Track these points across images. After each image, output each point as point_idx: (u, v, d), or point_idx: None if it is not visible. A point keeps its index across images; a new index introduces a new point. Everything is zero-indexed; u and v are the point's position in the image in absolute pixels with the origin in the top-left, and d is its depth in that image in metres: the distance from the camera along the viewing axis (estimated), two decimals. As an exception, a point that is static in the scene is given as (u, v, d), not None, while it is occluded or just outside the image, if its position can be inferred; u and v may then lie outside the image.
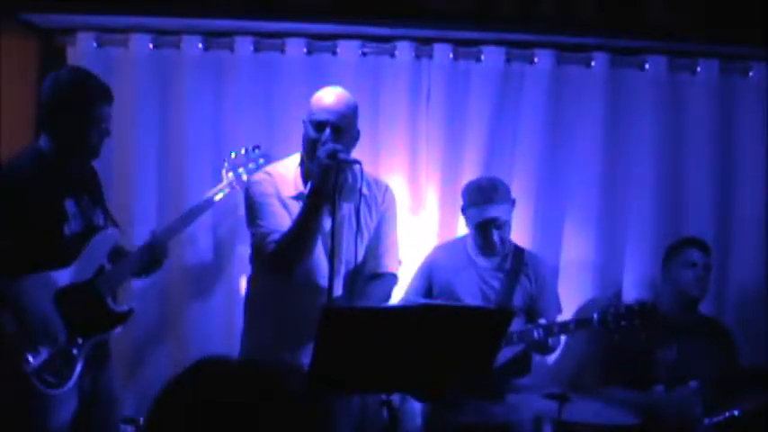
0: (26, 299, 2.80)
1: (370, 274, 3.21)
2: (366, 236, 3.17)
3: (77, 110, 2.93)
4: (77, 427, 2.95)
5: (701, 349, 3.61)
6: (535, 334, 3.32)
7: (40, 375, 2.79)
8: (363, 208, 3.12)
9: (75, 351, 2.89)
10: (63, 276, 2.89)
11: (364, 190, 3.12)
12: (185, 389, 1.19)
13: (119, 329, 3.09)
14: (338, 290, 3.05)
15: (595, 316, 3.32)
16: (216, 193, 3.47)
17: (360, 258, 3.13)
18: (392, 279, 3.29)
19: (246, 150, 3.52)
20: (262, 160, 3.52)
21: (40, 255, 2.85)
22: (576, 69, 4.02)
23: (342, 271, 3.13)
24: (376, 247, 3.20)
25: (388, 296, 3.29)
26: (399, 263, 3.32)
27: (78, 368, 2.88)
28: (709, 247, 3.73)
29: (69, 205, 2.94)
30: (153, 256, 3.17)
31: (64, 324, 2.85)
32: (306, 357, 3.01)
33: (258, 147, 3.55)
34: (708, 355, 3.61)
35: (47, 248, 2.87)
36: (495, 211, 3.45)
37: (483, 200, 3.45)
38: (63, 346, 2.85)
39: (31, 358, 2.78)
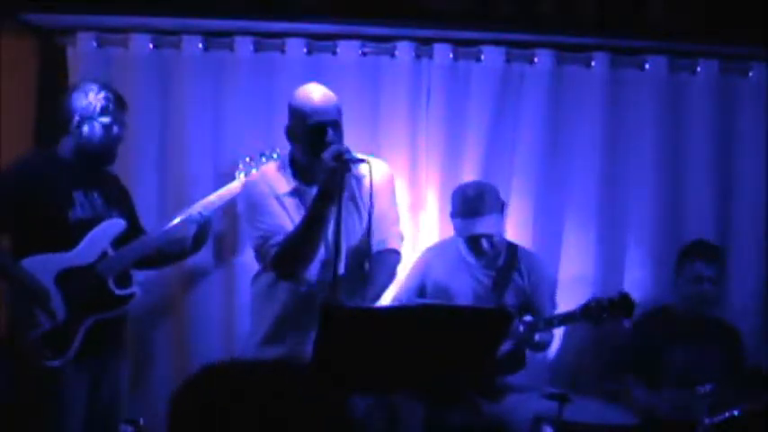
0: (29, 277, 3.02)
1: (372, 253, 3.18)
2: (364, 216, 3.14)
3: (88, 122, 3.17)
4: (86, 408, 3.13)
5: (710, 352, 3.61)
6: (521, 328, 3.33)
7: (37, 348, 3.01)
8: (363, 192, 3.11)
9: (73, 327, 3.07)
10: (67, 258, 3.09)
11: (360, 173, 3.11)
12: (198, 392, 1.20)
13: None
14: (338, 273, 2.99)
15: (578, 310, 3.33)
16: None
17: (359, 239, 3.12)
18: (395, 256, 3.25)
19: (263, 154, 3.52)
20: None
21: (44, 236, 3.06)
22: (576, 69, 4.01)
23: (342, 254, 3.09)
24: (375, 225, 3.16)
25: (393, 273, 3.27)
26: (401, 238, 3.29)
27: (75, 344, 3.06)
28: (717, 255, 3.70)
29: (77, 195, 3.14)
30: (202, 231, 3.37)
31: (64, 302, 3.06)
32: (306, 347, 3.04)
33: (276, 152, 3.52)
34: (717, 357, 3.61)
35: (51, 231, 3.08)
36: (482, 227, 3.42)
37: (470, 212, 3.43)
38: (62, 322, 3.05)
39: (32, 330, 3.01)
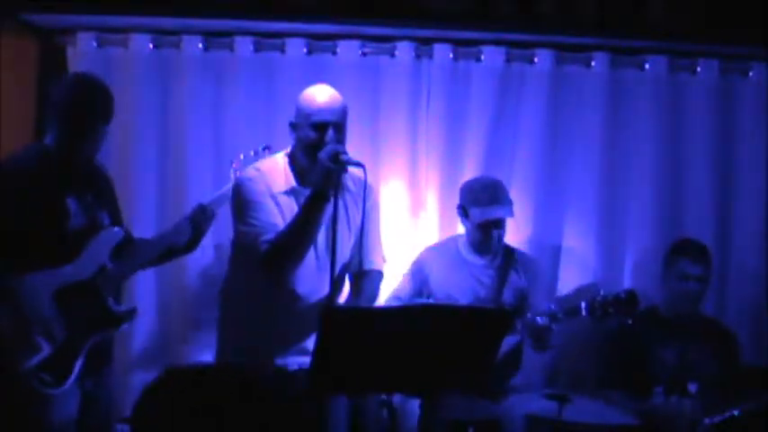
0: (26, 296, 2.81)
1: (356, 272, 3.17)
2: (353, 232, 3.14)
3: (82, 120, 2.98)
4: (78, 427, 2.94)
5: (702, 351, 3.62)
6: (539, 321, 3.33)
7: (37, 374, 2.80)
8: (351, 204, 3.12)
9: (73, 350, 2.87)
10: (64, 274, 2.89)
11: (351, 186, 3.11)
12: (158, 396, 1.19)
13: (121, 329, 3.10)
14: (325, 289, 2.97)
15: (583, 305, 3.34)
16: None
17: (348, 256, 3.12)
18: (378, 276, 3.26)
19: (256, 152, 3.48)
20: None
21: (40, 250, 2.86)
22: (576, 69, 4.02)
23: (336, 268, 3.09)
24: (361, 244, 3.15)
25: (375, 293, 3.26)
26: (384, 260, 3.30)
27: (77, 367, 2.87)
28: (706, 255, 3.68)
29: (71, 202, 2.95)
30: (196, 230, 3.17)
31: (63, 322, 2.86)
32: (289, 359, 3.04)
33: (269, 147, 3.39)
34: (709, 357, 3.61)
35: (47, 244, 2.88)
36: (500, 212, 3.50)
37: (488, 200, 3.50)
38: (62, 345, 2.85)
39: (29, 356, 2.79)
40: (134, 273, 3.19)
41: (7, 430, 2.85)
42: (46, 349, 2.82)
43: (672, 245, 3.76)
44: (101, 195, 3.12)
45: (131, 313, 3.06)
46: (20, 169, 2.94)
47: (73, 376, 2.86)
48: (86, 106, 2.99)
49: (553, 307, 3.39)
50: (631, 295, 3.33)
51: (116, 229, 3.08)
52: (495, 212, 3.50)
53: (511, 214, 3.55)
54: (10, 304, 2.82)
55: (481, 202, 3.51)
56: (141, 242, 3.16)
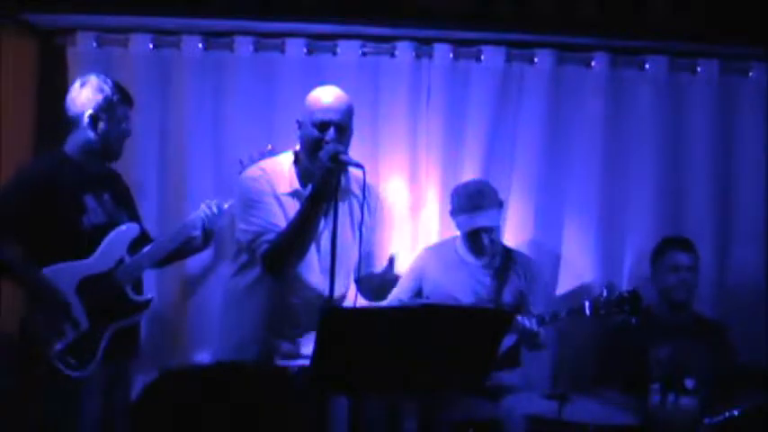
0: (51, 286, 3.00)
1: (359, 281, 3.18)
2: (358, 237, 3.15)
3: (102, 115, 3.15)
4: (102, 411, 3.10)
5: (696, 349, 3.63)
6: (527, 323, 3.34)
7: (63, 358, 2.98)
8: (357, 209, 3.12)
9: (96, 336, 3.06)
10: (86, 266, 3.07)
11: (357, 191, 3.12)
12: (157, 396, 1.20)
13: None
14: (326, 290, 2.95)
15: (586, 304, 3.35)
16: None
17: (353, 260, 3.12)
18: None
19: (261, 153, 3.49)
20: None
21: (60, 245, 3.03)
22: (576, 69, 4.02)
23: (340, 271, 3.09)
24: (368, 254, 3.16)
25: None
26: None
27: (100, 353, 3.05)
28: (693, 247, 3.73)
29: (88, 200, 3.11)
30: (209, 227, 3.33)
31: (86, 311, 3.04)
32: (288, 359, 3.04)
33: (273, 150, 3.44)
34: (702, 355, 3.62)
35: (66, 239, 3.05)
36: (483, 220, 3.49)
37: (472, 207, 3.50)
38: (85, 332, 3.03)
39: (56, 341, 2.98)
40: (151, 266, 3.30)
41: (39, 415, 3.04)
42: (71, 335, 3.01)
43: (656, 246, 3.79)
44: (119, 196, 3.28)
45: (148, 303, 3.22)
46: (35, 171, 3.12)
47: (96, 360, 3.04)
48: (121, 106, 3.20)
49: (554, 308, 3.40)
50: (635, 295, 3.35)
51: (133, 224, 3.22)
52: (478, 221, 3.49)
53: (495, 221, 3.54)
54: (36, 292, 3.03)
55: (465, 210, 3.52)
56: (158, 240, 3.30)
